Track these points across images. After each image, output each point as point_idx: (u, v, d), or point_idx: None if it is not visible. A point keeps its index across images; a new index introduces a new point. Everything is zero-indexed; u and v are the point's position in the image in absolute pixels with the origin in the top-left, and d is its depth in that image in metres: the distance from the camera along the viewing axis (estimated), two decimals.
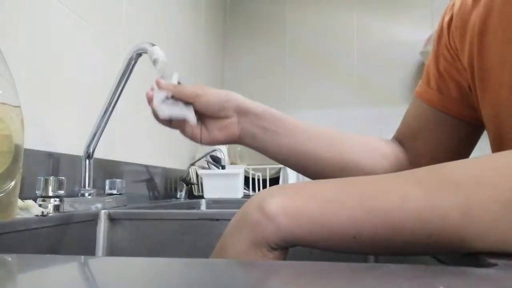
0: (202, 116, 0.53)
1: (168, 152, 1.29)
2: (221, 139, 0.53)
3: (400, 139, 0.59)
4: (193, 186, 1.37)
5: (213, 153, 1.37)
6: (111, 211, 0.69)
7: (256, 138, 0.52)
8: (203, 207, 1.23)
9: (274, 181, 1.39)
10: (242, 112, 0.53)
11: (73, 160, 0.78)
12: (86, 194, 0.73)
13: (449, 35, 0.52)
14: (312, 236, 0.29)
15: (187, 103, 0.52)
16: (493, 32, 0.43)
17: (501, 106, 0.42)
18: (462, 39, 0.49)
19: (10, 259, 0.29)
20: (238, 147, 1.41)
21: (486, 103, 0.45)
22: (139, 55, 0.70)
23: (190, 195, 1.36)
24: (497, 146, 0.45)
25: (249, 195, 1.36)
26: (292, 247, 0.31)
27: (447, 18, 0.52)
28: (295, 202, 0.30)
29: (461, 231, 0.26)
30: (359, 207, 0.28)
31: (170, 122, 0.53)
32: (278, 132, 0.52)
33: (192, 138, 0.53)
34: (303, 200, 0.30)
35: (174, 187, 1.29)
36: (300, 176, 1.38)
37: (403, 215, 0.27)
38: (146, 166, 1.13)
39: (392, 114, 1.86)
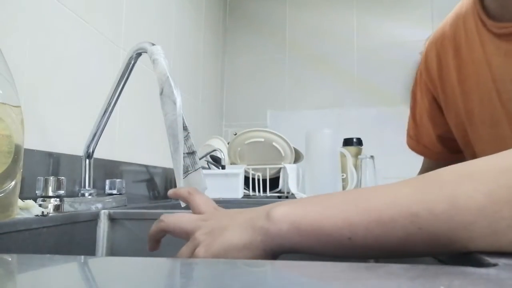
0: None
1: (168, 152, 1.28)
2: None
3: None
4: None
5: (213, 153, 1.37)
6: (111, 211, 0.69)
7: None
8: None
9: (274, 181, 1.39)
10: None
11: (73, 160, 0.78)
12: (86, 194, 0.73)
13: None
14: (310, 241, 0.31)
15: None
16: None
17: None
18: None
19: (10, 259, 0.29)
20: (238, 147, 1.41)
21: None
22: (139, 54, 0.70)
23: None
24: None
25: (249, 195, 1.36)
26: (287, 253, 0.32)
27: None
28: (298, 209, 0.32)
29: (449, 221, 0.27)
30: (354, 208, 0.30)
31: None
32: None
33: None
34: (305, 208, 0.32)
35: (174, 187, 1.29)
36: (301, 175, 1.38)
37: (394, 212, 0.28)
38: (146, 166, 1.13)
39: (392, 114, 1.87)
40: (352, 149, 1.44)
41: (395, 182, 0.31)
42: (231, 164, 1.45)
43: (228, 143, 1.49)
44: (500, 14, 0.51)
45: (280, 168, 1.37)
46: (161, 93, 0.57)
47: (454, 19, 0.61)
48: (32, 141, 0.68)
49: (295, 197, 1.25)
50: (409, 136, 0.73)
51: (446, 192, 0.27)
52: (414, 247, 0.28)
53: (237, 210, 0.38)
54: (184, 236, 0.38)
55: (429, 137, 0.69)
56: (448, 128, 0.65)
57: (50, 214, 0.58)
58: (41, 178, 0.63)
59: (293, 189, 1.31)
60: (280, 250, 0.32)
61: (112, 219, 0.69)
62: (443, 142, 0.67)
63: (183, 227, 0.39)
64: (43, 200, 0.62)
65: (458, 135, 0.62)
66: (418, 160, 0.76)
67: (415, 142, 0.71)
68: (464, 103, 0.58)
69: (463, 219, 0.26)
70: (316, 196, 0.35)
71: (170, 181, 1.28)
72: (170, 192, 0.49)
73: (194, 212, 0.43)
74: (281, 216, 0.32)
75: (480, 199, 0.26)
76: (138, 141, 1.11)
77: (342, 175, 1.39)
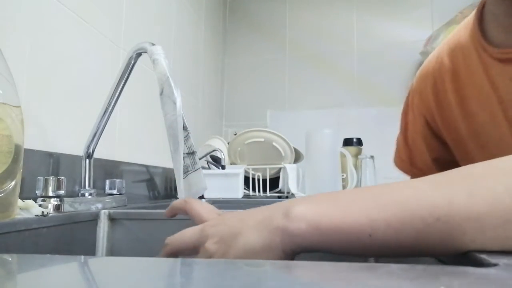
0: None
1: (168, 152, 1.28)
2: None
3: None
4: None
5: (213, 153, 1.37)
6: (111, 211, 0.69)
7: None
8: None
9: (274, 181, 1.39)
10: None
11: (73, 160, 0.78)
12: (86, 194, 0.73)
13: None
14: (329, 240, 0.30)
15: None
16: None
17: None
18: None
19: (10, 259, 0.29)
20: (238, 147, 1.41)
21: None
22: (139, 54, 0.70)
23: None
24: None
25: (249, 195, 1.36)
26: (305, 253, 0.32)
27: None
28: (316, 208, 0.31)
29: (466, 210, 0.27)
30: (374, 204, 0.30)
31: None
32: None
33: None
34: (324, 206, 0.31)
35: (174, 187, 1.29)
36: (301, 175, 1.38)
37: (414, 205, 0.28)
38: (146, 166, 1.13)
39: (392, 114, 1.86)
40: (352, 149, 1.45)
41: (412, 179, 0.31)
42: (231, 164, 1.45)
43: (228, 143, 1.50)
44: (503, 40, 0.52)
45: (280, 168, 1.37)
46: (161, 93, 0.57)
47: (451, 46, 0.61)
48: (32, 141, 0.68)
49: (295, 197, 1.25)
50: (400, 159, 0.72)
51: (466, 185, 0.28)
52: (429, 241, 0.28)
53: (244, 212, 0.36)
54: (194, 252, 0.36)
55: (423, 161, 0.68)
56: (444, 152, 0.65)
57: (50, 214, 0.58)
58: (41, 178, 0.63)
59: (293, 189, 1.31)
60: (298, 249, 0.31)
61: (112, 219, 0.69)
62: (439, 165, 0.67)
63: (188, 242, 0.37)
64: (43, 200, 0.62)
65: (461, 157, 0.62)
66: None
67: (408, 166, 0.71)
68: (467, 124, 0.58)
69: (479, 209, 0.26)
70: (330, 193, 0.34)
71: (170, 181, 1.28)
72: (166, 212, 0.46)
73: (197, 222, 0.41)
74: (301, 215, 0.31)
75: (500, 191, 0.26)
76: (138, 141, 1.11)
77: (342, 175, 1.39)
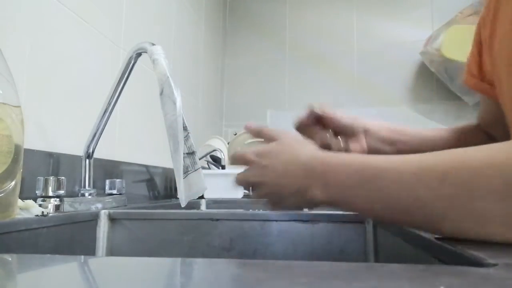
0: (337, 133, 0.63)
1: (168, 152, 1.28)
2: (356, 149, 0.62)
3: (483, 127, 0.65)
4: None
5: (213, 153, 1.37)
6: (111, 211, 0.69)
7: (380, 151, 0.63)
8: (203, 207, 1.23)
9: None
10: (366, 131, 0.64)
11: (73, 160, 0.78)
12: (86, 194, 0.73)
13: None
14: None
15: None
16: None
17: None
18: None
19: (10, 259, 0.29)
20: (238, 147, 1.41)
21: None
22: (139, 54, 0.70)
23: None
24: None
25: (249, 195, 1.36)
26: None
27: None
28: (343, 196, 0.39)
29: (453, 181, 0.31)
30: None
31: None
32: (396, 142, 0.64)
33: (333, 148, 0.61)
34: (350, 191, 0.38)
35: (174, 187, 1.29)
36: None
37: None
38: (146, 166, 1.13)
39: (392, 114, 1.87)
40: None
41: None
42: (231, 164, 1.44)
43: (228, 143, 1.49)
44: None
45: None
46: (161, 93, 0.57)
47: None
48: (32, 141, 0.68)
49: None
50: (471, 74, 0.63)
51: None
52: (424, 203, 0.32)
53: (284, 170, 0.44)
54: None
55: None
56: None
57: (50, 214, 0.58)
58: (41, 178, 0.63)
59: None
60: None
61: (112, 219, 0.69)
62: None
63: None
64: (43, 200, 0.62)
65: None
66: None
67: (479, 81, 0.62)
68: None
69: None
70: (362, 176, 0.37)
71: (170, 181, 1.28)
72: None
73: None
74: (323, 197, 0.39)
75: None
76: (138, 141, 1.11)
77: None
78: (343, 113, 0.62)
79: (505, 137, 0.55)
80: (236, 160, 0.50)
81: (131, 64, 0.72)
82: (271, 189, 0.44)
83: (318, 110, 0.61)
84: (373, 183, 0.36)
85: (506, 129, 0.52)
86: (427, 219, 0.32)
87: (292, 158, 0.43)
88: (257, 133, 0.54)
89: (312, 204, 0.42)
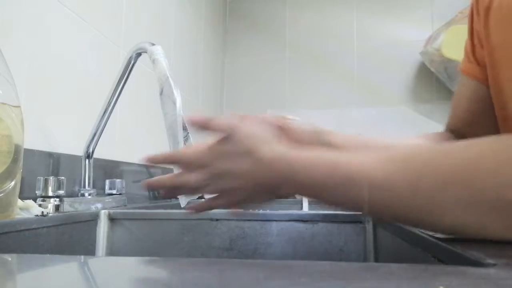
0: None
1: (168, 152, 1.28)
2: None
3: (453, 129, 0.63)
4: None
5: None
6: (111, 211, 0.69)
7: None
8: None
9: None
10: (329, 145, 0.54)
11: (73, 160, 0.78)
12: (86, 194, 0.73)
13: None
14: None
15: None
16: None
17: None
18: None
19: (10, 259, 0.29)
20: None
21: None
22: (138, 54, 0.70)
23: None
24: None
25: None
26: None
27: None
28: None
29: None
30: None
31: None
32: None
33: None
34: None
35: None
36: None
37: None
38: (146, 166, 1.13)
39: (392, 114, 1.87)
40: None
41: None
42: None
43: None
44: None
45: None
46: (161, 93, 0.57)
47: None
48: (32, 141, 0.68)
49: (295, 197, 1.25)
50: (469, 61, 0.60)
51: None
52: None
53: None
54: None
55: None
56: None
57: (50, 214, 0.58)
58: (41, 178, 0.63)
59: None
60: None
61: (112, 219, 0.69)
62: None
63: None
64: (43, 200, 0.62)
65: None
66: None
67: (475, 66, 0.59)
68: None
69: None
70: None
71: None
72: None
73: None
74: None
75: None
76: (138, 141, 1.11)
77: None
78: (303, 125, 0.51)
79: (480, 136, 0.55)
80: (177, 162, 0.44)
81: (131, 64, 0.72)
82: (233, 197, 0.40)
83: (277, 121, 0.50)
84: (343, 186, 0.35)
85: (484, 129, 0.52)
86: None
87: (253, 161, 0.38)
88: (205, 126, 0.42)
89: (282, 198, 0.42)
